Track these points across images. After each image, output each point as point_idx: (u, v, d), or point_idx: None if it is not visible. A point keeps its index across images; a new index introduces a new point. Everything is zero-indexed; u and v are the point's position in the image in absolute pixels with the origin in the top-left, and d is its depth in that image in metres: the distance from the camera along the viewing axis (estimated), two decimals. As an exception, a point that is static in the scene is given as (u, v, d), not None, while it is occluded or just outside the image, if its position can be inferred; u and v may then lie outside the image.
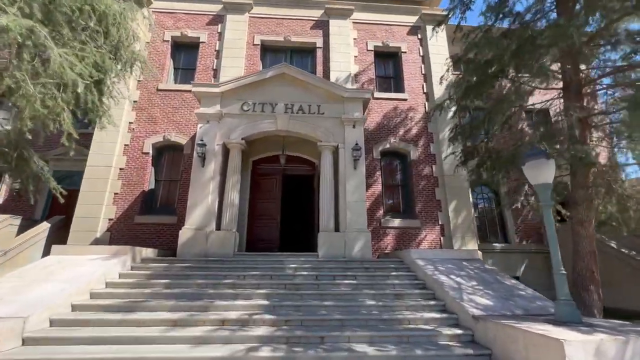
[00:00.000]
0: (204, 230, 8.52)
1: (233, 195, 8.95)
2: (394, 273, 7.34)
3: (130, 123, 11.24)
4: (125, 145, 11.02)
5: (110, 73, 7.38)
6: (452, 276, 6.74)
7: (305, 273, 7.19)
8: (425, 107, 12.07)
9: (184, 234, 8.47)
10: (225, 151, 9.53)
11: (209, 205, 8.76)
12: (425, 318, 5.57)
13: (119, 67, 7.79)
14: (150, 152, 11.02)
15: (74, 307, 5.50)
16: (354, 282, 6.88)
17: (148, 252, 8.11)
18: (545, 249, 10.88)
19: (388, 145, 11.45)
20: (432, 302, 6.11)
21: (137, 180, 10.74)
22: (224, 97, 9.62)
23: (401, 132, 11.71)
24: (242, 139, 9.42)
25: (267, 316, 5.40)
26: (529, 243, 11.76)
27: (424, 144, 11.62)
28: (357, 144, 9.24)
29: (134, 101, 11.42)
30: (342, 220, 8.92)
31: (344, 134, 9.60)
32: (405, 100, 12.12)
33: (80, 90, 6.27)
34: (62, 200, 8.10)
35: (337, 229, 9.10)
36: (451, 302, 5.83)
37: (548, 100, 9.28)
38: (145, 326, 5.08)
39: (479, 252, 8.53)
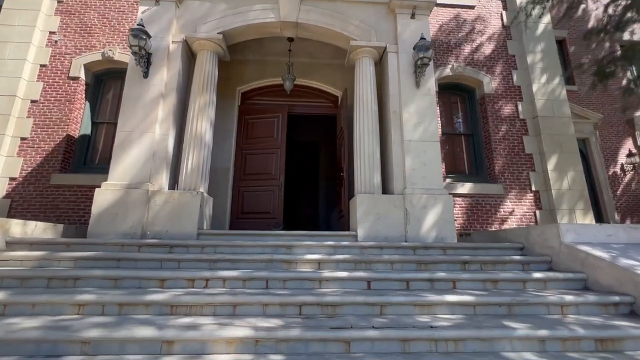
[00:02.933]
0: (142, 189, 4.46)
1: (200, 128, 4.83)
2: (537, 275, 3.25)
3: (51, 33, 7.04)
4: (42, 65, 6.81)
5: None
6: None
7: (342, 275, 3.14)
8: (502, 19, 7.82)
9: (102, 197, 4.34)
10: (188, 55, 5.35)
11: (155, 145, 4.64)
12: None
13: None
14: (82, 76, 6.84)
15: None
16: (462, 298, 2.83)
17: (32, 227, 4.07)
18: None
19: (448, 72, 7.28)
20: None
21: (60, 120, 6.60)
22: (187, -36, 5.38)
23: (466, 53, 7.53)
24: (220, 33, 5.25)
25: None
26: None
27: (502, 72, 7.45)
28: (422, 40, 5.01)
29: (58, 0, 7.21)
30: (396, 175, 4.81)
31: (395, 28, 5.41)
32: (472, 7, 7.86)
33: None
34: None
35: (385, 191, 5.05)
36: None
37: None
38: None
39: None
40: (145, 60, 4.81)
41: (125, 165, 4.49)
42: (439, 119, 7.01)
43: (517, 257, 3.70)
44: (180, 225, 4.29)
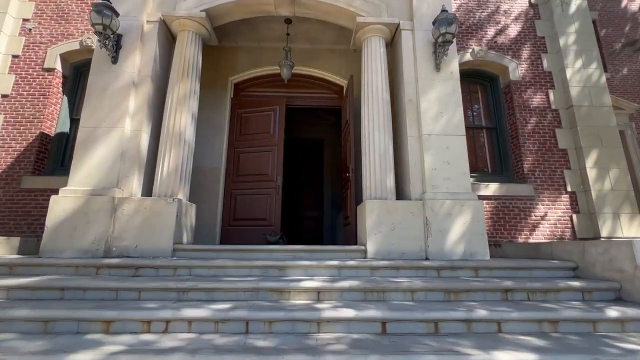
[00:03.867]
0: (108, 195, 3.68)
1: (180, 122, 4.03)
2: (611, 314, 2.31)
3: (24, 21, 6.32)
4: (15, 56, 6.09)
5: None
6: None
7: (348, 314, 2.25)
8: (529, -4, 6.87)
9: (59, 206, 3.53)
10: (167, 37, 4.54)
11: (124, 143, 3.85)
12: None
13: None
14: (59, 68, 6.11)
15: None
16: (520, 358, 1.98)
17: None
18: None
19: (468, 57, 6.37)
20: None
21: (33, 117, 5.90)
22: None
23: (489, 36, 6.61)
24: (203, 11, 4.45)
25: None
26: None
27: (530, 56, 6.51)
28: (443, 13, 4.12)
29: (33, -16, 6.49)
30: (413, 176, 3.96)
31: (409, 2, 4.53)
32: (494, -16, 6.91)
33: None
34: None
35: (400, 196, 4.22)
36: None
37: None
38: None
39: None
40: (114, 43, 4.03)
41: (89, 167, 3.73)
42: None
43: (574, 283, 2.83)
44: (152, 240, 3.52)
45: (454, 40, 4.15)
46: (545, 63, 6.36)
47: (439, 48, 4.11)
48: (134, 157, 3.86)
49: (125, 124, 3.88)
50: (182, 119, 4.05)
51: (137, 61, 4.12)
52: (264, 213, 5.36)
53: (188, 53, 4.28)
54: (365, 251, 3.60)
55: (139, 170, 3.89)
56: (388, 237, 3.62)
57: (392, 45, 4.75)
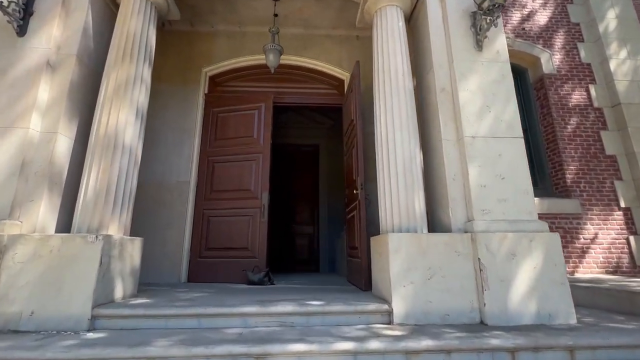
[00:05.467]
0: (-9, 232, 2.38)
1: (116, 121, 2.70)
2: None
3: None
4: None
5: None
6: None
7: None
8: (559, -24, 5.81)
9: None
10: (106, 3, 3.26)
11: (30, 150, 2.48)
12: None
13: None
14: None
15: None
16: None
17: None
18: None
19: (493, 47, 5.25)
20: None
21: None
22: None
23: (515, 22, 5.51)
24: (154, -30, 3.19)
25: None
26: None
27: (564, 46, 5.43)
28: (485, -27, 2.96)
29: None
30: (453, 196, 2.67)
31: (437, -40, 3.39)
32: (517, -37, 5.84)
33: None
34: None
35: (434, 225, 3.01)
36: None
37: None
38: None
39: None
40: (21, 7, 2.75)
41: (-35, 188, 2.42)
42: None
43: None
44: (58, 302, 2.20)
45: (498, 16, 2.97)
46: (582, 53, 5.27)
47: (479, 20, 2.94)
48: (43, 171, 2.55)
49: (32, 122, 2.57)
50: (120, 116, 2.77)
51: (57, 34, 2.83)
52: (245, 240, 4.07)
53: (134, 26, 3.02)
54: (389, 313, 2.34)
55: (52, 192, 2.59)
56: (423, 290, 2.38)
57: (411, 19, 3.57)
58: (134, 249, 2.78)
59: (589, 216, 4.58)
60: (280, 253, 7.14)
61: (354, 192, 3.49)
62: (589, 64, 5.22)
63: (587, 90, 5.09)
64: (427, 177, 3.09)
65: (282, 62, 4.73)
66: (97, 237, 2.34)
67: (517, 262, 2.41)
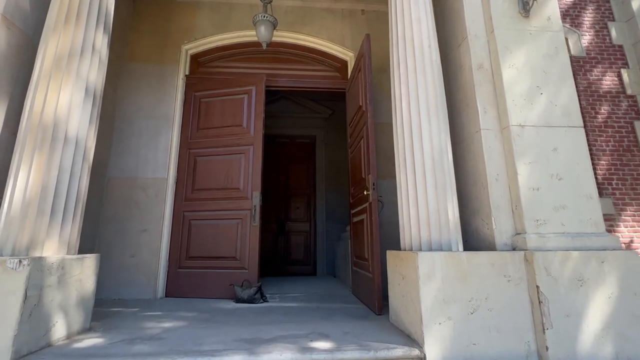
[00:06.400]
0: None
1: (55, 102, 1.98)
2: None
3: None
4: None
5: None
6: None
7: None
8: (586, -53, 5.17)
9: None
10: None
11: None
12: None
13: None
14: None
15: None
16: None
17: None
18: None
19: (514, 26, 4.63)
20: None
21: None
22: None
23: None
24: None
25: None
26: None
27: (593, 25, 4.81)
28: None
29: None
30: (495, 201, 2.09)
31: None
32: None
33: None
34: None
35: (469, 238, 2.41)
36: None
37: None
38: None
39: None
40: None
41: None
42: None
43: None
44: (-35, 354, 1.56)
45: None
46: (613, 34, 4.66)
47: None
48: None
49: None
50: (62, 96, 2.07)
51: (-27, -15, 2.10)
52: (233, 249, 3.43)
53: (82, -22, 2.29)
54: (423, 359, 1.75)
55: (-33, 197, 1.90)
56: (464, 328, 1.78)
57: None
58: (84, 271, 2.12)
59: (623, 217, 4.04)
60: (274, 252, 6.56)
61: (364, 192, 2.86)
62: (620, 46, 4.62)
63: (619, 75, 4.50)
64: (457, 177, 2.47)
65: (276, 39, 4.04)
66: (20, 261, 1.68)
67: (586, 291, 1.83)
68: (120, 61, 3.87)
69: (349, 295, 3.50)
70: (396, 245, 3.34)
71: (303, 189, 6.96)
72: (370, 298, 2.72)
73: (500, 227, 2.07)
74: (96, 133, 2.31)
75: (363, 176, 3.04)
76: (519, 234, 2.03)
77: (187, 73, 4.02)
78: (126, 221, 3.49)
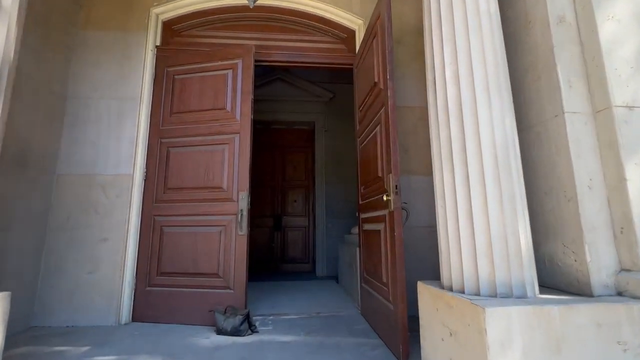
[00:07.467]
0: None
1: None
2: None
3: None
4: None
5: None
6: None
7: None
8: None
9: None
10: None
11: None
12: None
13: None
14: None
15: None
16: None
17: None
18: None
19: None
20: None
21: None
22: None
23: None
24: None
25: None
26: None
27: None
28: None
29: None
30: (588, 218, 1.36)
31: None
32: None
33: None
34: None
35: (543, 274, 1.72)
36: None
37: None
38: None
39: None
40: None
41: None
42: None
43: None
44: None
45: None
46: None
47: None
48: None
49: None
50: None
51: None
52: (214, 263, 2.74)
53: None
54: None
55: None
56: None
57: None
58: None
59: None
60: (269, 250, 5.96)
61: (383, 198, 2.14)
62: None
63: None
64: (525, 180, 1.76)
65: (268, 3, 3.24)
66: None
67: None
68: (74, 28, 3.06)
69: (357, 317, 2.85)
70: (418, 258, 2.66)
71: (301, 180, 6.29)
72: (392, 337, 2.05)
73: (597, 259, 1.38)
74: (5, 116, 1.57)
75: (379, 174, 2.33)
76: (628, 270, 1.34)
77: (157, 44, 3.22)
78: (82, 229, 2.78)
